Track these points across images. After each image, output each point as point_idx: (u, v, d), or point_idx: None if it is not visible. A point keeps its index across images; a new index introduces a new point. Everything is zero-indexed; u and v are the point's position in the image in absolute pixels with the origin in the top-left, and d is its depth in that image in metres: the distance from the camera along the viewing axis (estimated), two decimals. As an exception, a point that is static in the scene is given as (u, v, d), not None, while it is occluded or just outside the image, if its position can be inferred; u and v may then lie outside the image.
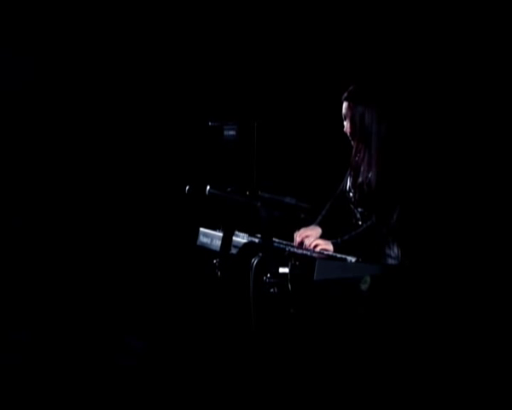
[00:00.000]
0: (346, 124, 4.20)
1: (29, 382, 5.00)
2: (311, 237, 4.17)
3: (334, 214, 4.38)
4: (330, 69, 5.41)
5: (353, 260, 3.81)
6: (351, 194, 4.26)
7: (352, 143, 4.23)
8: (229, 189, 3.90)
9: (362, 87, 4.20)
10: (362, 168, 4.18)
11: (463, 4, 5.01)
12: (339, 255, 3.91)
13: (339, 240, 4.10)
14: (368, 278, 3.80)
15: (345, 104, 4.20)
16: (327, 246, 4.07)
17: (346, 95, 4.20)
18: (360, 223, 4.22)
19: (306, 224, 4.31)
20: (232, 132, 3.94)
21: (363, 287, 3.82)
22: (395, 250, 4.12)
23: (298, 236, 4.24)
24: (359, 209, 4.23)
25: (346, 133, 4.23)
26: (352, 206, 4.27)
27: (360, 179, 4.18)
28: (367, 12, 5.30)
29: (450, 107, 5.07)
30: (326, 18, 5.46)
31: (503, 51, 4.90)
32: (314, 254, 3.85)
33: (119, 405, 4.82)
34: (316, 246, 4.07)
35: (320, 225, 4.33)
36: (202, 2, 5.76)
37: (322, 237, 4.23)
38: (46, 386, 4.96)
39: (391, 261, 4.11)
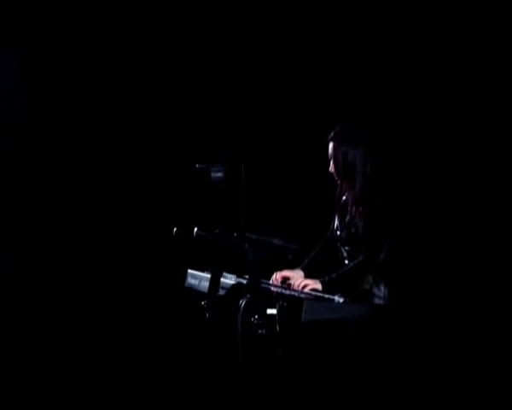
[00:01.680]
0: (331, 163, 4.25)
1: (29, 382, 5.01)
2: (298, 279, 4.18)
3: (322, 256, 4.40)
4: (317, 110, 5.45)
5: (341, 300, 3.82)
6: (338, 232, 4.29)
7: (337, 182, 4.28)
8: (216, 230, 3.92)
9: (347, 128, 4.25)
10: (348, 207, 4.22)
11: (446, 33, 5.08)
12: (326, 296, 3.92)
13: (326, 278, 4.12)
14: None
15: (330, 145, 4.25)
16: (315, 285, 4.08)
17: (331, 135, 4.25)
18: (347, 262, 4.24)
19: (294, 265, 4.33)
20: (219, 174, 3.97)
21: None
22: (382, 290, 4.14)
23: (278, 275, 4.28)
24: (346, 248, 4.25)
25: (331, 173, 4.27)
26: (339, 244, 4.30)
27: (347, 218, 4.22)
28: (351, 48, 5.36)
29: (435, 143, 5.12)
30: (311, 56, 5.51)
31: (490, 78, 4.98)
32: (302, 296, 3.86)
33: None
34: (304, 286, 4.09)
35: (306, 267, 4.35)
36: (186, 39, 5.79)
37: (309, 277, 4.24)
38: (46, 386, 4.97)
39: (378, 301, 4.12)
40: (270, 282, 4.26)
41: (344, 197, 4.28)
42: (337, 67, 5.41)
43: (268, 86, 5.65)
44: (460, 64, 5.06)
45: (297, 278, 4.21)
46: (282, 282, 4.27)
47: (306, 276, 4.27)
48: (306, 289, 4.06)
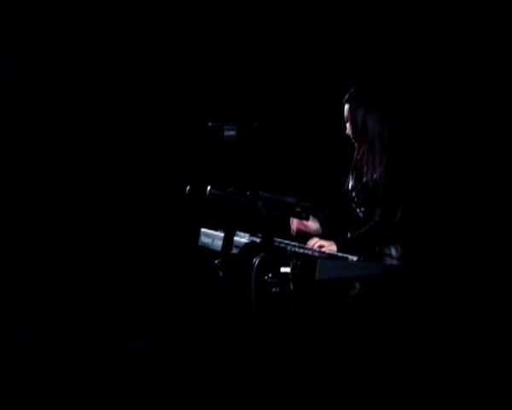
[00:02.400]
0: (348, 126, 4.19)
1: (30, 382, 5.01)
2: (313, 238, 4.16)
3: (336, 215, 4.39)
4: (331, 68, 5.41)
5: (355, 258, 3.81)
6: (353, 193, 4.26)
7: (355, 144, 4.23)
8: (229, 189, 3.90)
9: (363, 89, 4.19)
10: (365, 168, 4.18)
11: (459, 4, 5.02)
12: (340, 254, 3.91)
13: (342, 239, 4.11)
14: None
15: (346, 106, 4.20)
16: (331, 246, 4.06)
17: (347, 97, 4.19)
18: (361, 222, 4.21)
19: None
20: (232, 132, 3.94)
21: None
22: (397, 250, 4.12)
23: (295, 226, 4.27)
24: (361, 209, 4.23)
25: (348, 135, 4.23)
26: (353, 205, 4.27)
27: (364, 179, 4.18)
28: (369, 12, 5.30)
29: (452, 106, 5.07)
30: (328, 18, 5.46)
31: (502, 49, 4.91)
32: (315, 254, 3.85)
33: (121, 405, 4.83)
34: (320, 247, 4.07)
35: (321, 223, 4.33)
36: (202, 2, 5.76)
37: (323, 236, 4.23)
38: (48, 386, 4.97)
39: (391, 261, 4.11)
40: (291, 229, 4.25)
41: (359, 158, 4.24)
42: (354, 23, 5.36)
43: (282, 42, 5.61)
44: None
45: (312, 237, 4.19)
46: (297, 234, 4.27)
47: (324, 232, 4.26)
48: (322, 250, 4.05)
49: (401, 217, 4.06)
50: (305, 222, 4.27)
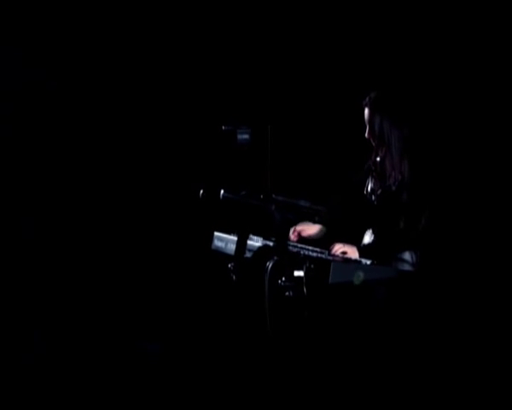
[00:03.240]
0: (367, 129, 4.19)
1: (38, 383, 5.04)
2: (337, 244, 4.13)
3: (342, 212, 4.37)
4: (346, 71, 5.40)
5: (368, 262, 3.80)
6: (373, 197, 4.24)
7: (373, 146, 4.22)
8: (243, 192, 3.90)
9: (381, 93, 4.19)
10: (388, 172, 4.16)
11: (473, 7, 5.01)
12: (353, 258, 3.90)
13: (365, 245, 4.09)
14: (361, 274, 3.78)
15: (366, 110, 4.19)
16: (353, 253, 4.05)
17: (366, 101, 4.19)
18: (381, 226, 4.19)
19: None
20: (246, 136, 3.94)
21: (356, 282, 3.80)
22: (412, 256, 4.09)
23: (296, 231, 4.26)
24: (382, 212, 4.20)
25: (367, 138, 4.21)
26: (374, 209, 4.24)
27: (387, 183, 4.16)
28: (388, 16, 5.29)
29: (474, 112, 5.05)
30: (346, 22, 5.45)
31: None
32: (329, 257, 3.84)
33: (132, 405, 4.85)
34: (343, 253, 4.06)
35: (325, 223, 4.32)
36: (218, 6, 5.76)
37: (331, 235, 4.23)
38: (57, 387, 5.00)
39: (405, 267, 4.08)
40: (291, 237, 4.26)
41: (378, 161, 4.22)
42: (373, 28, 5.35)
43: (297, 46, 5.61)
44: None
45: (335, 243, 4.17)
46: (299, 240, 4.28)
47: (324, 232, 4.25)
48: (344, 256, 4.03)
49: (426, 223, 4.03)
50: (301, 228, 4.27)
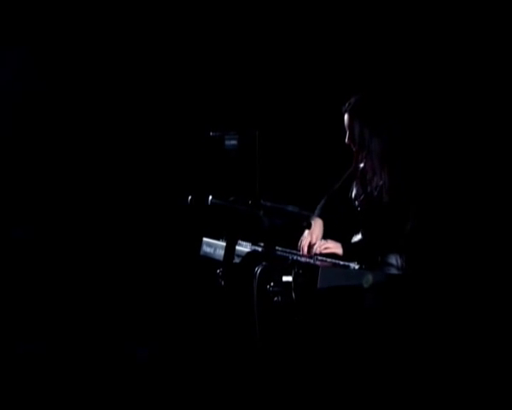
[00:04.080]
0: (347, 135, 4.20)
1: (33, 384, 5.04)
2: (319, 240, 4.14)
3: (330, 210, 4.37)
4: (332, 77, 5.41)
5: (356, 267, 3.81)
6: (356, 202, 4.26)
7: (354, 152, 4.24)
8: (231, 198, 3.91)
9: (361, 99, 4.20)
10: (368, 177, 4.17)
11: (458, 19, 5.04)
12: (342, 263, 3.91)
13: (348, 244, 4.10)
14: (370, 277, 3.79)
15: (345, 116, 4.20)
16: (337, 250, 4.07)
17: (345, 107, 4.20)
18: (365, 230, 4.20)
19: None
20: (233, 142, 3.95)
21: (365, 285, 3.80)
22: (398, 260, 4.10)
23: (305, 242, 4.25)
24: (366, 217, 4.21)
25: (347, 143, 4.23)
26: (358, 214, 4.25)
27: (369, 188, 4.17)
28: (368, 23, 5.31)
29: (453, 114, 5.08)
30: (328, 28, 5.46)
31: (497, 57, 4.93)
32: (317, 262, 3.85)
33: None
34: (325, 249, 4.07)
35: (320, 215, 4.31)
36: (203, 10, 5.77)
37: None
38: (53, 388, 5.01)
39: (392, 270, 4.09)
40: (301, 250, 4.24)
41: (361, 167, 4.24)
42: (354, 34, 5.37)
43: (282, 52, 5.62)
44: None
45: (317, 234, 4.16)
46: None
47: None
48: (327, 251, 4.03)
49: (410, 227, 4.04)
50: (314, 234, 4.25)
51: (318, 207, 4.35)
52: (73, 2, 5.76)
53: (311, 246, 4.18)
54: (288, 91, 5.63)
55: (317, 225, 4.23)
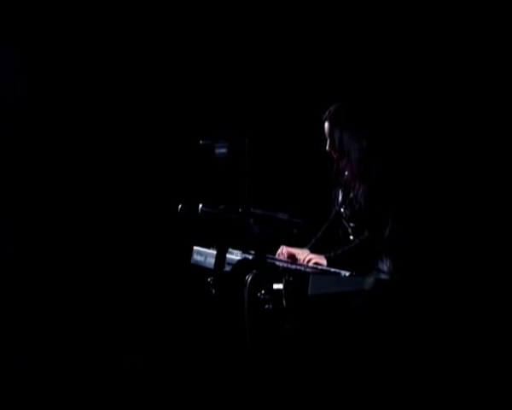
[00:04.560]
0: (328, 142, 4.25)
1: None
2: (303, 253, 4.17)
3: (329, 235, 4.40)
4: (321, 85, 5.43)
5: (347, 274, 3.81)
6: (342, 209, 4.28)
7: (335, 159, 4.27)
8: (221, 206, 3.91)
9: (341, 107, 4.25)
10: (351, 184, 4.21)
11: (445, 28, 5.07)
12: (332, 270, 3.92)
13: (332, 254, 4.12)
14: (372, 277, 3.79)
15: (325, 124, 4.26)
16: (320, 260, 4.08)
17: (325, 115, 4.25)
18: (352, 238, 4.23)
19: (299, 239, 4.32)
20: (223, 150, 3.96)
21: (367, 286, 3.81)
22: (386, 265, 4.13)
23: (284, 250, 4.27)
24: (351, 224, 4.24)
25: (328, 151, 4.27)
26: (343, 221, 4.29)
27: (351, 195, 4.21)
28: (350, 31, 5.34)
29: (434, 117, 5.10)
30: (313, 37, 5.48)
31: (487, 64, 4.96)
32: (308, 270, 3.86)
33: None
34: (309, 261, 4.09)
35: (313, 247, 4.34)
36: (193, 21, 5.78)
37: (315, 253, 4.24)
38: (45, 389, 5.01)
39: (383, 276, 4.11)
40: (276, 255, 4.26)
41: (342, 174, 4.27)
42: (337, 44, 5.39)
43: (269, 60, 5.63)
44: (458, 49, 5.05)
45: (302, 253, 4.21)
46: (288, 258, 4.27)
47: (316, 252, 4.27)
48: (311, 263, 4.06)
49: (390, 231, 4.08)
50: (295, 251, 4.27)
51: (318, 234, 4.39)
52: (67, 3, 5.76)
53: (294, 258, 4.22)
54: (276, 99, 5.64)
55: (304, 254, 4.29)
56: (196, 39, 5.77)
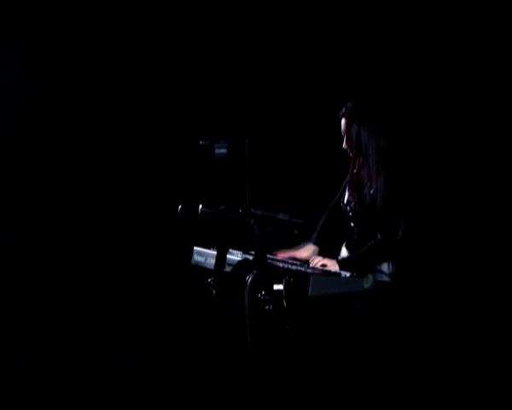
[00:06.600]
0: (344, 140, 4.18)
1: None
2: (316, 257, 4.14)
3: (331, 229, 4.37)
4: (322, 83, 5.42)
5: (347, 274, 3.81)
6: (348, 208, 4.24)
7: (351, 157, 4.22)
8: (221, 207, 3.91)
9: (358, 104, 4.18)
10: (364, 182, 4.15)
11: (456, 21, 5.06)
12: (333, 270, 3.91)
13: (344, 258, 4.09)
14: (370, 277, 3.78)
15: (342, 121, 4.18)
16: (333, 266, 4.04)
17: (343, 111, 4.18)
18: (358, 237, 4.19)
19: (300, 240, 4.32)
20: (223, 150, 3.95)
21: (366, 285, 3.79)
22: (389, 267, 4.09)
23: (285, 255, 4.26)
24: (358, 223, 4.20)
25: (344, 149, 4.22)
26: (349, 220, 4.24)
27: (363, 193, 4.15)
28: (362, 27, 5.33)
29: (451, 119, 5.09)
30: (320, 33, 5.48)
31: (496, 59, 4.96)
32: (308, 270, 3.85)
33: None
34: (322, 266, 4.06)
35: (317, 242, 4.31)
36: (191, 22, 5.78)
37: (320, 253, 4.23)
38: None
39: (383, 278, 4.09)
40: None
41: (356, 172, 4.22)
42: (349, 38, 5.38)
43: (271, 60, 5.63)
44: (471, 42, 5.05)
45: (314, 256, 4.17)
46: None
47: (321, 251, 4.24)
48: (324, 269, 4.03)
49: (402, 234, 4.02)
50: (297, 254, 4.26)
51: (318, 227, 4.36)
52: (68, 4, 5.76)
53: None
54: (277, 99, 5.64)
55: (308, 250, 4.25)
56: (196, 40, 5.76)
